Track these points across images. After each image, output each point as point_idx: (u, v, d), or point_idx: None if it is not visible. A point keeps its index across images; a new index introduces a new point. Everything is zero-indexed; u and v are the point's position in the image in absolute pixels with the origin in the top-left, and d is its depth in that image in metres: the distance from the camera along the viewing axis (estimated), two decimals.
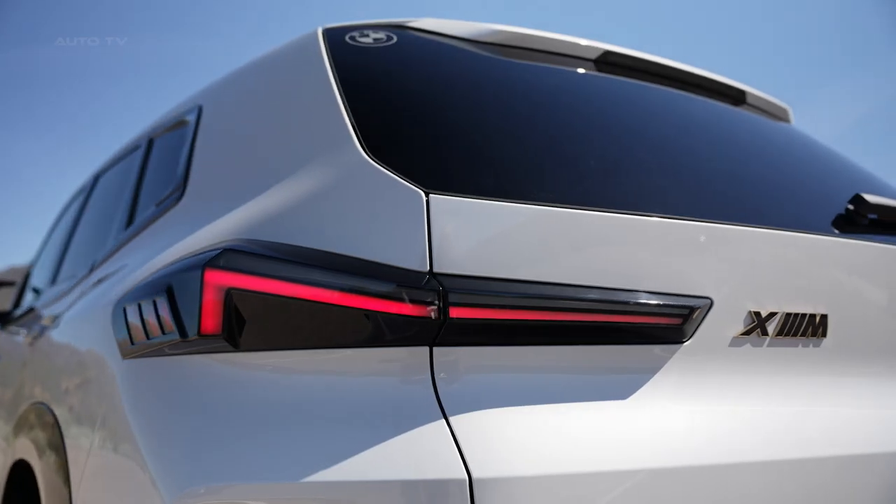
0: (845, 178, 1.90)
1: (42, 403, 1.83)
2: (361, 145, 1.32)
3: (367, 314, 1.18)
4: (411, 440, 1.12)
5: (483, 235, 1.21)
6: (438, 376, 1.18)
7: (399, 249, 1.19)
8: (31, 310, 3.05)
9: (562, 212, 1.26)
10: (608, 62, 1.86)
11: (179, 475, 1.16)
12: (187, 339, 1.25)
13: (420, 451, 1.11)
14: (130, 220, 2.19)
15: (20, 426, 2.04)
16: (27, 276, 3.93)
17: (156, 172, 2.23)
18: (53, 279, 3.10)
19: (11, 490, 2.14)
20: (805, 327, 1.41)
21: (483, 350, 1.20)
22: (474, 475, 1.08)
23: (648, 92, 1.87)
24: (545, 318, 1.21)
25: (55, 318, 2.17)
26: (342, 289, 1.18)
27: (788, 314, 1.39)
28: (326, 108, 1.44)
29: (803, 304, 1.42)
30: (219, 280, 1.22)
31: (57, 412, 1.68)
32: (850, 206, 1.61)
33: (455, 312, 1.16)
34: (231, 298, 1.21)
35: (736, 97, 2.13)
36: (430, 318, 1.16)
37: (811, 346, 1.43)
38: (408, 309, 1.16)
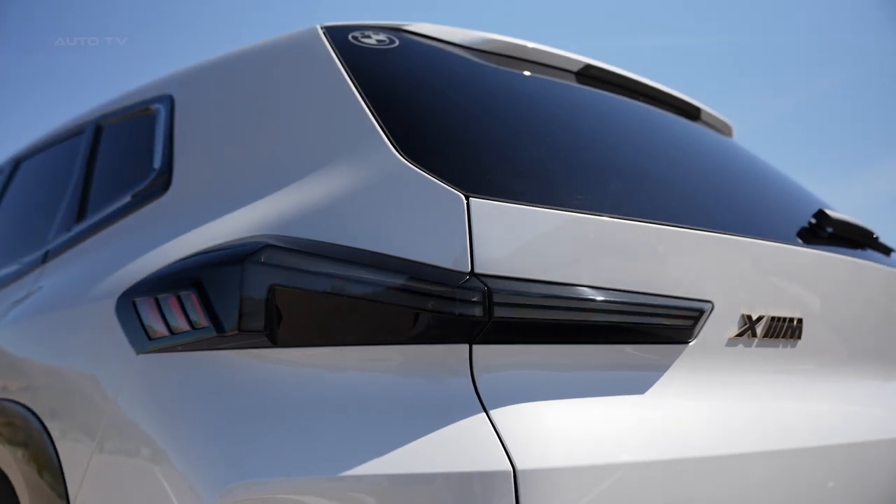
0: (793, 192, 2.08)
1: (9, 400, 1.73)
2: (395, 148, 1.34)
3: (411, 312, 1.20)
4: (454, 434, 1.16)
5: (518, 238, 1.27)
6: (477, 373, 1.22)
7: (440, 250, 1.22)
8: None
9: (592, 218, 1.33)
10: (589, 75, 1.96)
11: (219, 472, 1.15)
12: (224, 334, 1.23)
13: (464, 445, 1.15)
14: (83, 209, 2.10)
15: None
16: None
17: (114, 161, 2.15)
18: None
19: None
20: (785, 330, 1.54)
21: (516, 348, 1.26)
22: (518, 467, 1.13)
23: (644, 108, 1.98)
24: (576, 318, 1.28)
25: (5, 311, 2.05)
26: (387, 287, 1.21)
27: (773, 317, 1.52)
28: (347, 108, 1.45)
29: (783, 308, 1.55)
30: (260, 275, 1.22)
31: (37, 410, 1.60)
32: (814, 220, 1.77)
33: (499, 312, 1.21)
34: (273, 294, 1.21)
35: (693, 113, 2.28)
36: (474, 317, 1.20)
37: (789, 347, 1.56)
38: (452, 308, 1.20)
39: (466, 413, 1.18)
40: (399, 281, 1.21)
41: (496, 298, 1.21)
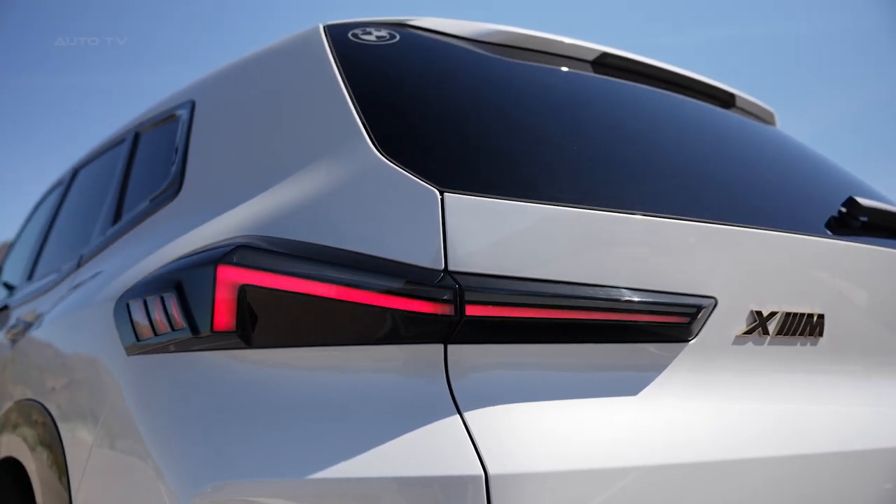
0: (833, 181, 1.95)
1: (33, 400, 1.80)
2: (374, 144, 1.32)
3: (383, 311, 1.18)
4: (426, 437, 1.13)
5: (495, 234, 1.22)
6: (452, 373, 1.18)
7: (413, 247, 1.20)
8: (5, 307, 3.00)
9: (573, 211, 1.27)
10: (607, 64, 1.89)
11: (193, 473, 1.15)
12: (199, 335, 1.24)
13: (436, 448, 1.11)
14: (118, 215, 2.16)
15: (5, 424, 2.00)
16: None
17: (145, 167, 2.20)
18: (29, 275, 3.04)
19: None
20: (803, 327, 1.44)
21: (495, 348, 1.21)
22: (490, 471, 1.09)
23: (649, 94, 1.90)
24: (557, 316, 1.22)
25: (41, 315, 2.13)
26: (358, 286, 1.18)
27: (788, 314, 1.42)
28: (335, 105, 1.44)
29: (801, 304, 1.45)
30: (232, 276, 1.21)
31: (51, 409, 1.65)
32: (843, 209, 1.65)
33: (470, 310, 1.17)
34: (245, 295, 1.20)
35: (726, 100, 2.17)
36: (446, 315, 1.16)
37: (808, 345, 1.46)
38: (424, 306, 1.17)
39: (440, 415, 1.15)
40: (370, 280, 1.19)
41: (468, 296, 1.17)
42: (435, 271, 1.17)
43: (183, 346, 1.28)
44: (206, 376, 1.26)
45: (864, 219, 1.64)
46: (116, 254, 1.87)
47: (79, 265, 2.15)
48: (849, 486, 1.38)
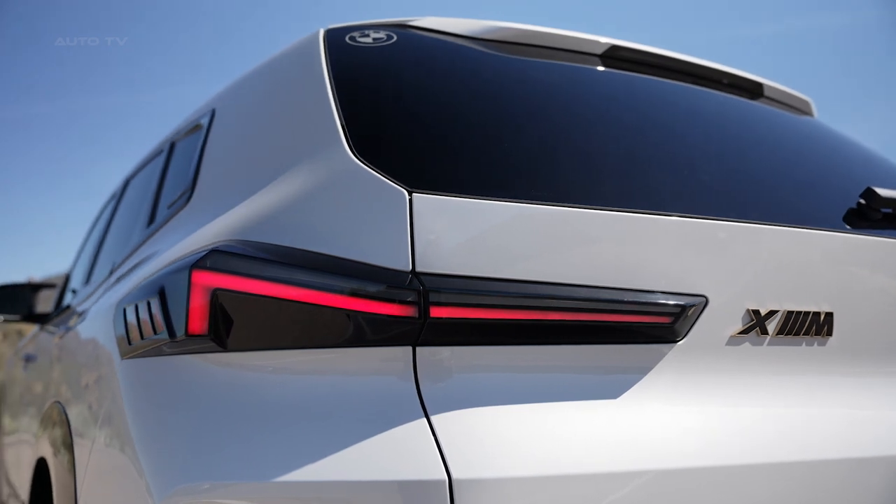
0: (865, 172, 1.84)
1: (58, 402, 1.87)
2: (349, 146, 1.32)
3: (350, 314, 1.18)
4: (393, 440, 1.12)
5: (466, 234, 1.20)
6: (422, 376, 1.17)
7: (382, 249, 1.19)
8: (66, 308, 3.14)
9: (547, 209, 1.24)
10: (613, 57, 1.83)
11: (168, 474, 1.18)
12: (176, 339, 1.26)
13: (401, 452, 1.11)
14: (151, 223, 2.23)
15: (44, 424, 2.09)
16: (67, 278, 4.04)
17: (174, 175, 2.27)
18: (87, 280, 3.18)
19: (39, 488, 2.19)
20: (809, 326, 1.37)
21: (467, 350, 1.19)
22: (454, 476, 1.07)
23: (641, 85, 1.83)
24: (530, 317, 1.19)
25: (78, 318, 2.22)
26: (325, 289, 1.18)
27: (790, 312, 1.35)
28: (320, 109, 1.44)
29: (806, 302, 1.37)
30: (205, 281, 1.23)
31: (68, 411, 1.72)
32: (862, 201, 1.56)
33: (436, 312, 1.16)
34: (217, 299, 1.22)
35: (752, 90, 2.08)
36: (411, 317, 1.15)
37: (816, 345, 1.39)
38: (389, 309, 1.16)
39: (406, 418, 1.14)
40: (337, 282, 1.19)
41: (433, 298, 1.15)
42: (402, 273, 1.16)
43: (165, 350, 1.31)
44: (183, 379, 1.28)
45: (886, 210, 1.55)
46: (135, 260, 1.93)
47: (111, 272, 2.23)
48: (856, 496, 1.30)
